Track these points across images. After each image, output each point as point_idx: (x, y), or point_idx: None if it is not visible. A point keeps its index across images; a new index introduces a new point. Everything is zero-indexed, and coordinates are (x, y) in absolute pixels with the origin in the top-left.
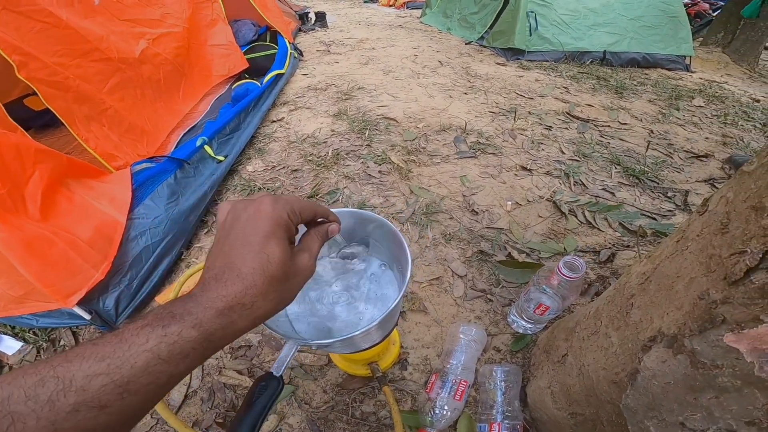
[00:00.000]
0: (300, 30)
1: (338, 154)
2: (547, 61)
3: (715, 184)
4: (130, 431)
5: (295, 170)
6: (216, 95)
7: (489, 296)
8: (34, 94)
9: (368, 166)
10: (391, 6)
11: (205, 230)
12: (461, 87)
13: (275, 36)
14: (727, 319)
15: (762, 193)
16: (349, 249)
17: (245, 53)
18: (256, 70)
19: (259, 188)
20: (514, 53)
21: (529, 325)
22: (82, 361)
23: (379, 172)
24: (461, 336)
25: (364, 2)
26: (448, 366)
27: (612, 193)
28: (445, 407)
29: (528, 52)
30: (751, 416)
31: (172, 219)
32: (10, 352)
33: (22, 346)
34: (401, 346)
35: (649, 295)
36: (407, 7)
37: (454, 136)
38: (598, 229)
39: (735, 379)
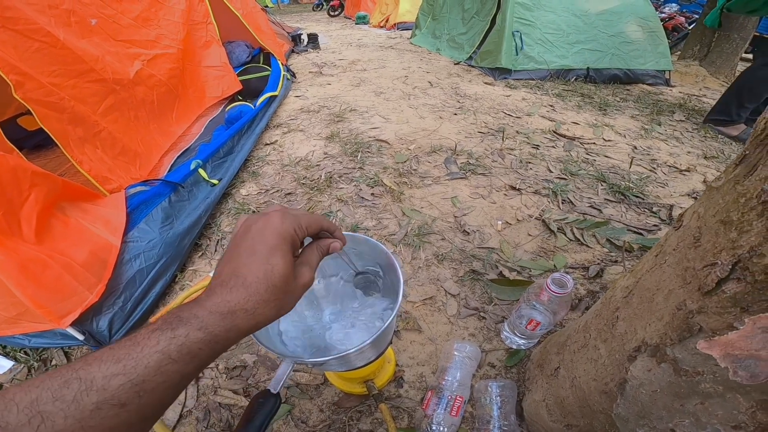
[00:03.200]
0: (293, 51)
1: (331, 177)
2: (533, 79)
3: (698, 197)
4: (149, 429)
5: (289, 193)
6: (209, 117)
7: (482, 314)
8: (28, 113)
9: (361, 189)
10: (381, 27)
11: (200, 253)
12: (451, 108)
13: (268, 58)
14: (704, 328)
15: (729, 208)
16: (361, 278)
17: (239, 75)
18: (249, 91)
19: (253, 212)
20: (501, 72)
21: (522, 341)
22: (100, 364)
23: (372, 194)
24: (456, 353)
25: (356, 24)
26: (444, 383)
27: (599, 209)
28: (442, 423)
29: (515, 71)
30: (737, 420)
31: (166, 242)
32: (0, 371)
33: (13, 366)
34: (396, 364)
35: (632, 307)
36: (397, 29)
37: (445, 157)
38: (587, 245)
39: (716, 384)
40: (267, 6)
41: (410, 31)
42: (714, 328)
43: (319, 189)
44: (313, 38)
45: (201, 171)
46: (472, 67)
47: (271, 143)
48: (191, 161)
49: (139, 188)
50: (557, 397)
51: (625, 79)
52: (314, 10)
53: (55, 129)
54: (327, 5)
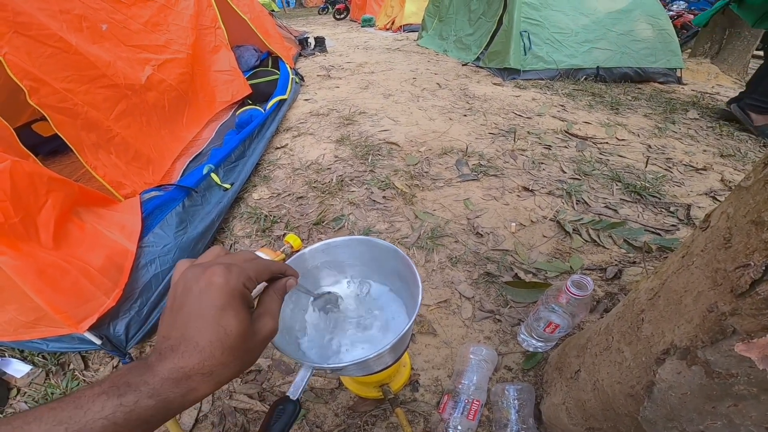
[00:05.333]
0: (300, 55)
1: (342, 181)
2: (542, 79)
3: (716, 196)
4: None
5: (301, 197)
6: (220, 122)
7: (497, 317)
8: (43, 119)
9: (372, 192)
10: (388, 30)
11: None
12: (460, 109)
13: (277, 61)
14: (738, 330)
15: (761, 208)
16: (320, 300)
17: (248, 79)
18: (258, 95)
19: (265, 216)
20: (510, 73)
21: (540, 344)
22: (40, 424)
23: (384, 197)
24: (472, 356)
25: (362, 26)
26: (460, 386)
27: (615, 210)
28: (459, 427)
29: (523, 71)
30: None
31: (180, 247)
32: (18, 375)
33: (31, 369)
34: (412, 368)
35: (658, 309)
36: (404, 30)
37: (456, 159)
38: (603, 246)
39: (751, 386)
40: (273, 10)
41: (416, 33)
42: (749, 330)
43: (331, 192)
44: (320, 41)
45: (213, 175)
46: (480, 68)
47: (282, 147)
48: (203, 166)
49: (153, 193)
50: (578, 400)
51: (636, 77)
52: (320, 14)
53: (69, 135)
54: (332, 9)
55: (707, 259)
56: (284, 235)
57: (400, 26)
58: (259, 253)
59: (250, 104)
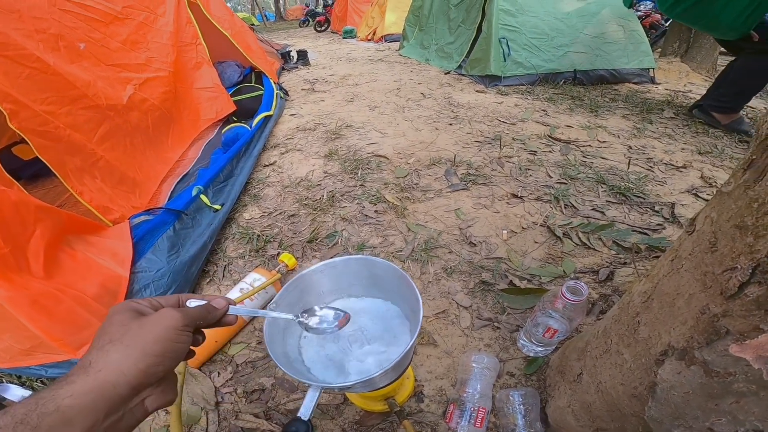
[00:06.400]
0: (283, 69)
1: (333, 196)
2: (523, 84)
3: (698, 193)
4: None
5: (292, 215)
6: (205, 140)
7: (496, 324)
8: (22, 141)
9: (364, 207)
10: (369, 40)
11: (207, 280)
12: (446, 118)
13: (260, 77)
14: (731, 331)
15: (743, 213)
16: (310, 320)
17: (232, 95)
18: (243, 112)
19: (258, 236)
20: (491, 80)
21: (540, 348)
22: None
23: (375, 211)
24: (474, 365)
25: (343, 38)
26: (465, 395)
27: (602, 212)
28: None
29: (504, 77)
30: None
31: (174, 271)
32: (16, 400)
33: (30, 395)
34: (415, 379)
35: (653, 312)
36: (385, 41)
37: (445, 169)
38: (594, 249)
39: (749, 384)
40: (253, 24)
41: (398, 43)
42: (741, 331)
43: (322, 209)
44: (302, 55)
45: (203, 197)
46: (462, 75)
47: (270, 164)
48: (192, 187)
49: (142, 218)
50: (583, 403)
51: (612, 79)
52: (301, 27)
53: (52, 159)
54: (313, 21)
55: (696, 263)
56: (278, 254)
57: (382, 36)
58: (254, 274)
59: (235, 121)
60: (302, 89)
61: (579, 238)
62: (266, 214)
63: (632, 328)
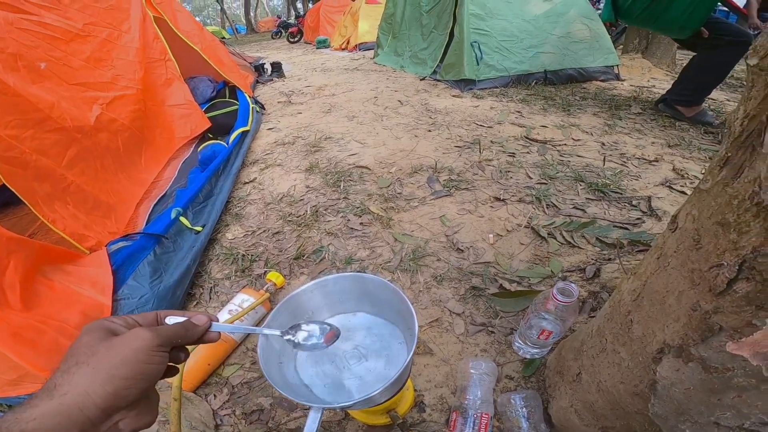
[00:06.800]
0: (257, 82)
1: (317, 211)
2: (497, 87)
3: (672, 186)
4: None
5: (277, 233)
6: (181, 159)
7: (490, 328)
8: None
9: (349, 220)
10: (343, 49)
11: (194, 303)
12: (424, 125)
13: (234, 91)
14: (724, 327)
15: (724, 210)
16: (298, 336)
17: (206, 111)
18: (219, 128)
19: (243, 255)
20: (466, 84)
21: (536, 350)
22: None
23: (361, 224)
24: (472, 371)
25: (317, 48)
26: (466, 402)
27: (583, 210)
28: None
29: (478, 81)
30: None
31: (158, 296)
32: None
33: None
34: (415, 389)
35: (644, 310)
36: (359, 49)
37: (427, 176)
38: (579, 247)
39: (749, 378)
40: (224, 37)
41: (372, 51)
42: (735, 327)
43: (307, 225)
44: (276, 67)
45: (182, 219)
46: (438, 81)
47: (250, 181)
48: (171, 210)
49: (120, 244)
50: (585, 402)
51: (580, 78)
52: (273, 38)
53: (20, 187)
54: (286, 33)
55: (681, 260)
56: (265, 273)
57: (356, 45)
58: (242, 295)
59: (211, 138)
60: (278, 102)
61: (563, 237)
62: (250, 232)
63: (626, 327)
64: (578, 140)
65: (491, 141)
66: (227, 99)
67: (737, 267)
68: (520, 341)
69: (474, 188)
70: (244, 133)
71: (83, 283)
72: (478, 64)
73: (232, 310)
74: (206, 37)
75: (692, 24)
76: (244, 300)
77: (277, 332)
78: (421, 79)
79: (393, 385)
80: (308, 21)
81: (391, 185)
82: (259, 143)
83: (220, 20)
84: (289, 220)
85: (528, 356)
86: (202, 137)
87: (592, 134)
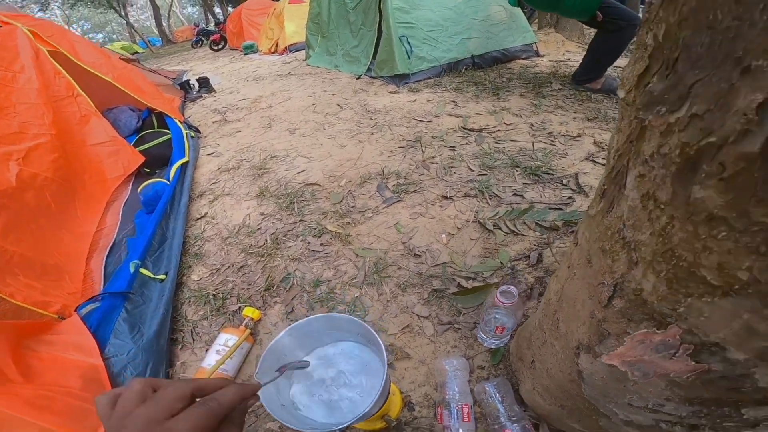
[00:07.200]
0: (185, 101)
1: (276, 239)
2: (430, 78)
3: (595, 159)
4: None
5: (242, 267)
6: (121, 201)
7: (456, 326)
8: None
9: (309, 242)
10: (273, 53)
11: (179, 346)
12: (366, 128)
13: (162, 118)
14: (611, 333)
15: (602, 237)
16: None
17: (135, 145)
18: (154, 161)
19: (213, 295)
20: (401, 78)
21: (497, 341)
22: None
23: (321, 244)
24: (447, 368)
25: (245, 54)
26: (447, 396)
27: (521, 195)
28: (460, 431)
29: (412, 74)
30: (667, 395)
31: (144, 349)
32: None
33: None
34: (402, 392)
35: (564, 311)
36: (290, 51)
37: (376, 184)
38: (522, 234)
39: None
40: (136, 52)
41: (303, 52)
42: (617, 333)
43: (269, 254)
44: (204, 82)
45: (143, 271)
46: (373, 78)
47: (202, 217)
48: (127, 263)
49: (89, 307)
50: (543, 385)
51: (504, 59)
52: (194, 47)
53: None
54: (207, 40)
55: (581, 273)
56: (240, 308)
57: (286, 47)
58: (224, 335)
59: (148, 173)
60: (213, 122)
61: (507, 226)
62: (215, 270)
63: (555, 324)
64: (510, 124)
65: (432, 136)
66: (156, 129)
67: (612, 287)
68: (482, 334)
69: (422, 189)
70: (184, 165)
71: (69, 349)
72: (409, 58)
73: (220, 350)
74: (116, 64)
75: (587, 9)
76: (228, 339)
77: (277, 376)
78: (357, 78)
79: (379, 397)
80: (230, 27)
81: (343, 200)
82: (202, 172)
83: (128, 34)
84: (251, 252)
85: (492, 346)
86: (137, 173)
87: (521, 116)
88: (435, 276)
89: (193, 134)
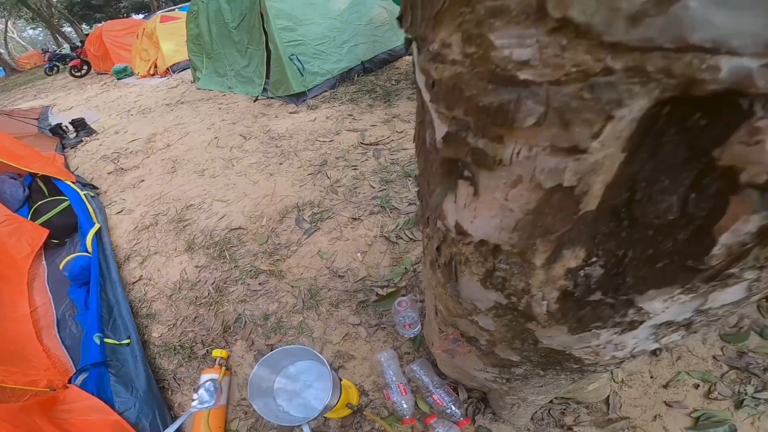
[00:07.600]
0: (63, 147)
1: (218, 287)
2: (326, 91)
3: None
4: None
5: (195, 318)
6: (42, 278)
7: (382, 326)
8: None
9: (249, 284)
10: (153, 75)
11: (170, 392)
12: (274, 157)
13: (48, 181)
14: (441, 335)
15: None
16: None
17: (32, 218)
18: (59, 231)
19: (180, 346)
20: (298, 97)
21: (412, 332)
22: None
23: (260, 284)
24: (382, 360)
25: (118, 79)
26: (387, 380)
27: (415, 203)
28: (403, 402)
29: (308, 91)
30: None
31: (145, 401)
32: None
33: None
34: (356, 384)
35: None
36: (172, 72)
37: (294, 218)
38: (418, 240)
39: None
40: None
41: (189, 72)
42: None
43: (216, 302)
44: (80, 124)
45: (107, 340)
46: (271, 98)
47: (137, 281)
48: (90, 337)
49: (81, 377)
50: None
51: (392, 59)
52: (48, 75)
53: None
54: (66, 66)
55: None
56: (207, 352)
57: (167, 69)
58: (205, 375)
59: (57, 243)
60: (108, 173)
61: (407, 235)
62: (172, 325)
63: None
64: (401, 132)
65: (336, 157)
66: (49, 197)
67: (435, 306)
68: (399, 329)
69: (334, 214)
70: (98, 232)
71: (88, 412)
72: (302, 75)
73: (207, 387)
74: None
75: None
76: (209, 377)
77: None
78: (254, 100)
79: (334, 390)
80: (91, 50)
81: (268, 239)
82: (119, 234)
83: None
84: (199, 304)
85: (411, 336)
86: (45, 245)
87: (410, 121)
88: (358, 290)
89: (92, 194)
